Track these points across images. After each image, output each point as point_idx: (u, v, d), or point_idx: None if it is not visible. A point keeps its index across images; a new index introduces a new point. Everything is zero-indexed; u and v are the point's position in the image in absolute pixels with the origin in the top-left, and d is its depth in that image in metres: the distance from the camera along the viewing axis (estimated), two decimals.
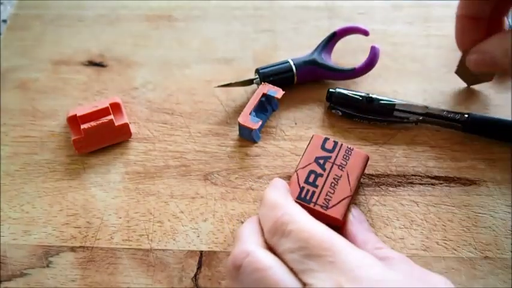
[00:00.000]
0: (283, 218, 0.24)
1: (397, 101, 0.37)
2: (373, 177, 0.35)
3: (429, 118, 0.37)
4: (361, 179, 0.32)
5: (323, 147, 0.32)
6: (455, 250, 0.31)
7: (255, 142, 0.37)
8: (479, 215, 0.33)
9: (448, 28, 0.43)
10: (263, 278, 0.22)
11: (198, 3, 0.48)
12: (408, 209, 0.33)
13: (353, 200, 0.30)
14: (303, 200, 0.30)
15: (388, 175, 0.35)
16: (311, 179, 0.30)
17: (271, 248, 0.24)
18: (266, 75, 0.39)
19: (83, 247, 0.32)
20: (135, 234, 0.33)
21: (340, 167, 0.31)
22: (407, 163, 0.36)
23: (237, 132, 0.38)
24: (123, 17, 0.47)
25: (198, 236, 0.32)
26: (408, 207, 0.33)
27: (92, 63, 0.43)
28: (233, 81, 0.39)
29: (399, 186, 0.35)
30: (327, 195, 0.29)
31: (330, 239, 0.22)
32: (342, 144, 0.32)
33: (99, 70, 0.42)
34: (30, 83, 0.42)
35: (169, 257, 0.32)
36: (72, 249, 0.32)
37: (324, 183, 0.30)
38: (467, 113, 0.36)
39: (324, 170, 0.30)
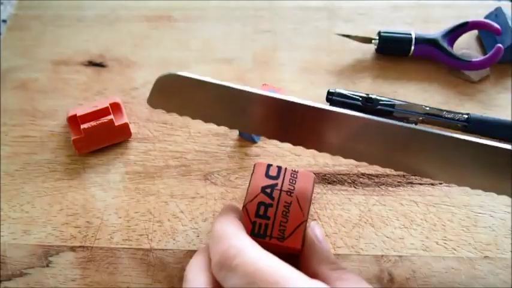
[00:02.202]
0: (229, 252, 0.22)
1: (396, 101, 0.37)
2: (373, 177, 0.35)
3: (429, 118, 0.37)
4: (313, 198, 0.31)
5: (267, 175, 0.30)
6: (455, 250, 0.31)
7: (254, 142, 0.37)
8: (479, 215, 0.33)
9: None
10: None
11: (198, 4, 0.48)
12: (408, 209, 0.33)
13: (308, 222, 0.29)
14: (257, 236, 0.28)
15: (387, 175, 0.35)
16: (261, 212, 0.28)
17: (219, 284, 0.23)
18: (386, 39, 0.41)
19: (83, 247, 0.32)
20: (135, 234, 0.33)
21: (289, 193, 0.29)
22: None
23: (237, 132, 0.38)
24: (123, 17, 0.47)
25: (198, 236, 0.32)
26: (408, 207, 0.33)
27: (91, 64, 0.43)
28: (353, 34, 0.42)
29: (399, 186, 0.35)
30: (280, 225, 0.28)
31: (278, 271, 0.21)
32: (286, 169, 0.30)
33: (99, 70, 0.42)
34: (30, 83, 0.42)
35: (169, 257, 0.32)
36: (72, 248, 0.32)
37: (276, 213, 0.28)
38: (467, 113, 0.36)
39: (273, 199, 0.29)
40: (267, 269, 0.21)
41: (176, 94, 0.27)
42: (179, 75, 0.25)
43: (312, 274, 0.26)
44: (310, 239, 0.28)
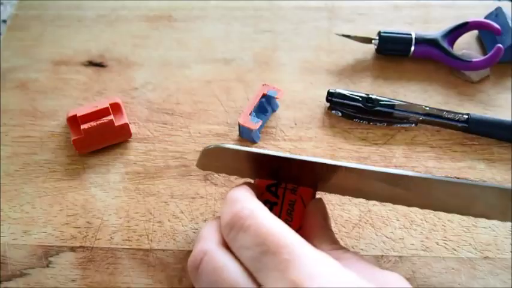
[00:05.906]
0: (243, 213, 0.23)
1: (396, 102, 0.37)
2: None
3: (429, 118, 0.37)
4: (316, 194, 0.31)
5: None
6: (455, 250, 0.32)
7: (255, 142, 0.37)
8: None
9: None
10: (219, 277, 0.21)
11: (198, 4, 0.48)
12: (408, 209, 0.33)
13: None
14: None
15: None
16: None
17: (228, 245, 0.23)
18: (386, 40, 0.41)
19: (83, 247, 0.32)
20: (135, 234, 0.33)
21: (293, 191, 0.29)
22: (407, 163, 0.36)
23: (237, 133, 0.38)
24: (123, 17, 0.47)
25: None
26: (408, 207, 0.33)
27: (92, 64, 0.43)
28: (352, 35, 0.42)
29: None
30: (285, 223, 0.28)
31: (289, 236, 0.22)
32: None
33: (99, 70, 0.42)
34: (30, 83, 0.42)
35: (169, 257, 0.32)
36: (72, 249, 0.32)
37: (281, 212, 0.28)
38: (467, 114, 0.36)
39: (278, 197, 0.29)
40: (278, 232, 0.21)
41: (220, 160, 0.29)
42: (222, 148, 0.27)
43: None
44: (312, 219, 0.28)
